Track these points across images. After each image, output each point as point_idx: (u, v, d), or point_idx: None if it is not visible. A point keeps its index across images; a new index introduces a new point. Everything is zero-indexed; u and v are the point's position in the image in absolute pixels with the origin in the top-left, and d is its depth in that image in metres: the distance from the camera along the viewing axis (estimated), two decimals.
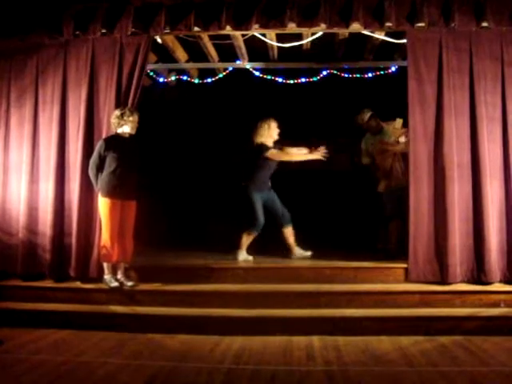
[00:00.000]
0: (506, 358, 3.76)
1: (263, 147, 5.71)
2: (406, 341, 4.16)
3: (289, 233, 5.87)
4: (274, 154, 5.73)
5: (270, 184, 5.90)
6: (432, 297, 4.75)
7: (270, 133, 5.76)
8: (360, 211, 7.17)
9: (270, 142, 5.78)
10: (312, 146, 5.84)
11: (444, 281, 4.90)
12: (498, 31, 5.06)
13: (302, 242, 5.96)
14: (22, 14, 5.34)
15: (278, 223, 5.85)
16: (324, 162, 5.81)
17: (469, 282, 4.93)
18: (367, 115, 6.11)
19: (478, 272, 4.92)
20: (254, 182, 5.75)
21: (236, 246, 5.78)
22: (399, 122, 5.92)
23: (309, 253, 5.85)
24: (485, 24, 5.05)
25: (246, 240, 5.80)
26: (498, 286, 4.84)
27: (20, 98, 5.42)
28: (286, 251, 5.88)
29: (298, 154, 5.90)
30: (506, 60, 5.06)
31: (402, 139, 5.80)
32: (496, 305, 4.64)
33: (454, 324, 4.40)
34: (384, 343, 4.13)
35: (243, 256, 5.74)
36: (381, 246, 5.97)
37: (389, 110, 6.15)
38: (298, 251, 5.87)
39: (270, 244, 5.94)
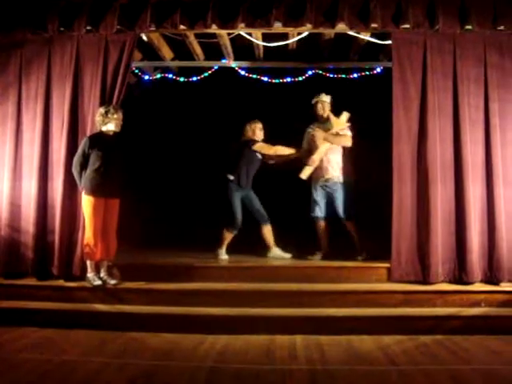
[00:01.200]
0: (485, 356, 3.82)
1: (250, 142, 5.89)
2: (388, 340, 4.19)
3: (266, 231, 5.91)
4: (260, 146, 5.89)
5: (251, 183, 5.96)
6: (414, 296, 4.79)
7: (255, 134, 5.93)
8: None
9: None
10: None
11: (426, 280, 4.95)
12: (481, 34, 5.12)
13: (283, 241, 6.00)
14: (5, 10, 5.27)
15: (257, 221, 5.94)
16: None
17: (450, 281, 4.98)
18: (328, 98, 5.92)
19: (460, 272, 4.98)
20: (240, 177, 5.83)
21: (217, 244, 5.85)
22: (345, 115, 5.82)
23: (288, 255, 5.87)
24: (469, 27, 5.11)
25: (226, 238, 5.85)
26: (478, 286, 4.90)
27: (3, 95, 5.36)
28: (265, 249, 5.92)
29: (283, 148, 5.93)
30: (489, 62, 5.12)
31: (340, 132, 5.75)
32: (477, 304, 4.69)
33: (435, 323, 4.44)
34: (367, 342, 4.15)
35: (223, 254, 5.81)
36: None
37: (373, 110, 6.15)
38: (276, 251, 5.89)
39: (253, 243, 5.95)
